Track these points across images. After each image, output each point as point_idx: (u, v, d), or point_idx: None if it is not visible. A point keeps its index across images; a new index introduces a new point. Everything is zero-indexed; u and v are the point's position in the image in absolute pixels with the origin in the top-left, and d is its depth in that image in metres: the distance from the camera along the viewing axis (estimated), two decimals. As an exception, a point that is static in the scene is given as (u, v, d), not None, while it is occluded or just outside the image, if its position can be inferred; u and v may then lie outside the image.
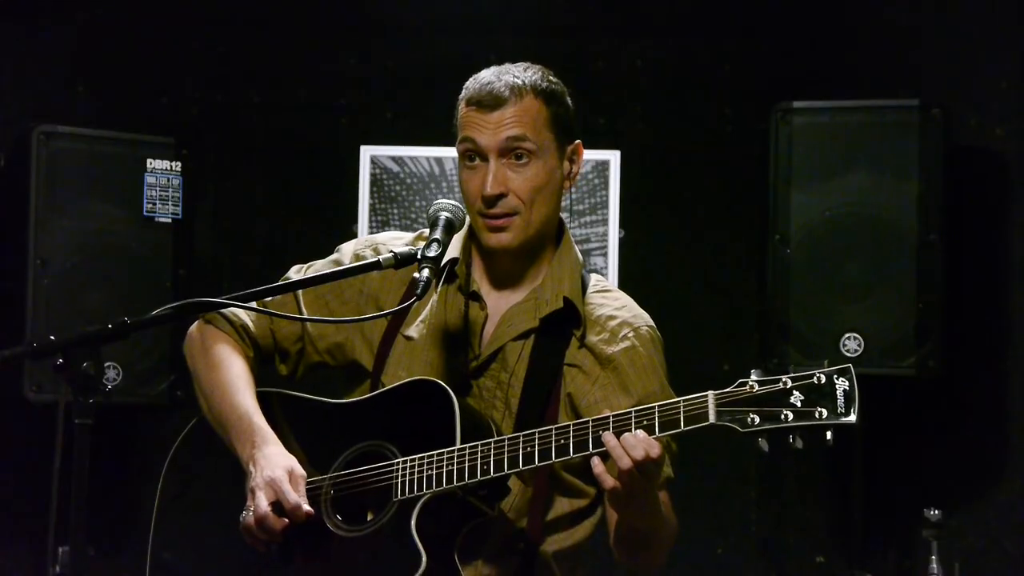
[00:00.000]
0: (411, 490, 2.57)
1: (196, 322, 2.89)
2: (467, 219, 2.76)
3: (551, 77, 2.75)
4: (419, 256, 2.60)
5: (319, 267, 2.86)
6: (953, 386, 4.46)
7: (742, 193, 4.72)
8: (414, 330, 2.77)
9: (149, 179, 4.42)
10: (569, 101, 2.77)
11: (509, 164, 2.68)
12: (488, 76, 2.72)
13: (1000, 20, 4.58)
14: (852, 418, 2.31)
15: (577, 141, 2.78)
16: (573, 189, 4.62)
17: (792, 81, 4.62)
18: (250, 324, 2.83)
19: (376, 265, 2.63)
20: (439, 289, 2.77)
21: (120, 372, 4.29)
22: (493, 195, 2.68)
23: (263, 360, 2.85)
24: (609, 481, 2.45)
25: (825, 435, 2.34)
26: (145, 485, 4.65)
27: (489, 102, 2.68)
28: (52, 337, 2.34)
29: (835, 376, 2.34)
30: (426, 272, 2.58)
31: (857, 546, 4.45)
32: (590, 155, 4.66)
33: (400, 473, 2.59)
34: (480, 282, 2.77)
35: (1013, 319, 4.56)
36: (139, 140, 4.44)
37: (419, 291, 2.56)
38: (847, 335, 4.23)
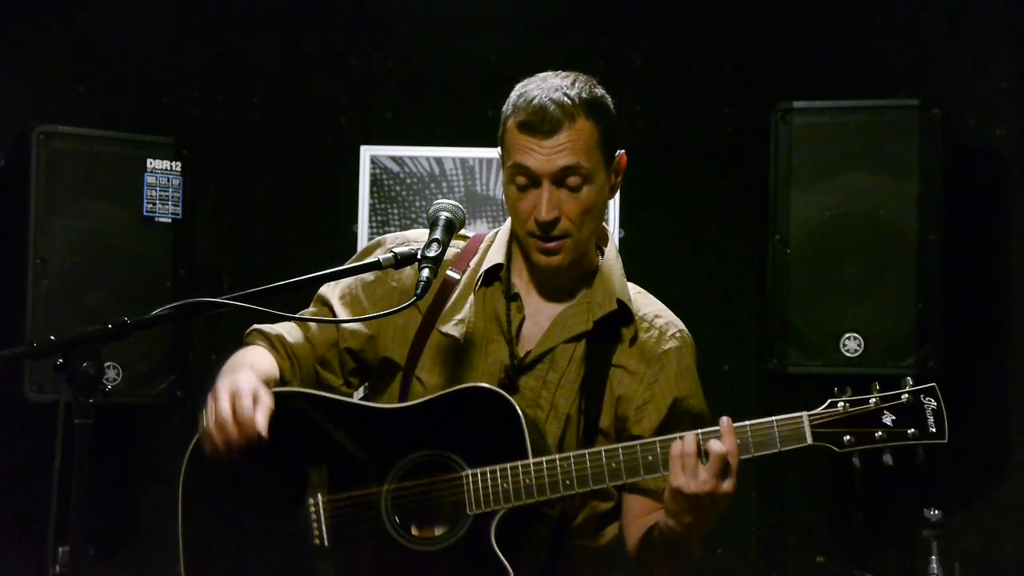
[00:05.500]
0: (486, 504, 2.56)
1: None
2: (507, 222, 2.79)
3: (596, 88, 2.70)
4: (419, 256, 2.60)
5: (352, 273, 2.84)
6: (953, 386, 4.45)
7: (742, 193, 4.72)
8: (452, 328, 2.75)
9: (149, 179, 4.42)
10: (612, 107, 2.71)
11: (562, 189, 2.65)
12: (537, 93, 2.65)
13: (1000, 20, 4.59)
14: (944, 439, 2.50)
15: (621, 152, 2.74)
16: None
17: (792, 81, 4.63)
18: (287, 335, 2.82)
19: (376, 265, 2.63)
20: (477, 289, 2.77)
21: (120, 372, 4.29)
22: (548, 220, 2.66)
23: (306, 376, 2.82)
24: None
25: (917, 452, 2.50)
26: (145, 485, 4.68)
27: (543, 128, 2.62)
28: (52, 337, 2.34)
29: (921, 395, 2.51)
30: (426, 272, 2.57)
31: (857, 546, 4.45)
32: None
33: (472, 486, 2.57)
34: (519, 284, 2.78)
35: (1013, 319, 4.56)
36: (139, 140, 4.44)
37: (419, 291, 2.55)
38: (847, 335, 4.23)
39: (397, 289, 2.79)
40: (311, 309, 2.87)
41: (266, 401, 2.57)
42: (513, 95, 2.70)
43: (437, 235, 2.63)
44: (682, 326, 2.81)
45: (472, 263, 2.80)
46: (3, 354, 2.38)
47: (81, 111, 4.65)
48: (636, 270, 4.70)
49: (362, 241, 4.64)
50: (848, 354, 4.22)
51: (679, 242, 4.80)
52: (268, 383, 2.68)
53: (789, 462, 4.75)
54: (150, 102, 4.79)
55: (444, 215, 2.67)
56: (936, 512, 4.08)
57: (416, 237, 2.76)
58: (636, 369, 2.73)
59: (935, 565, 4.08)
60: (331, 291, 2.85)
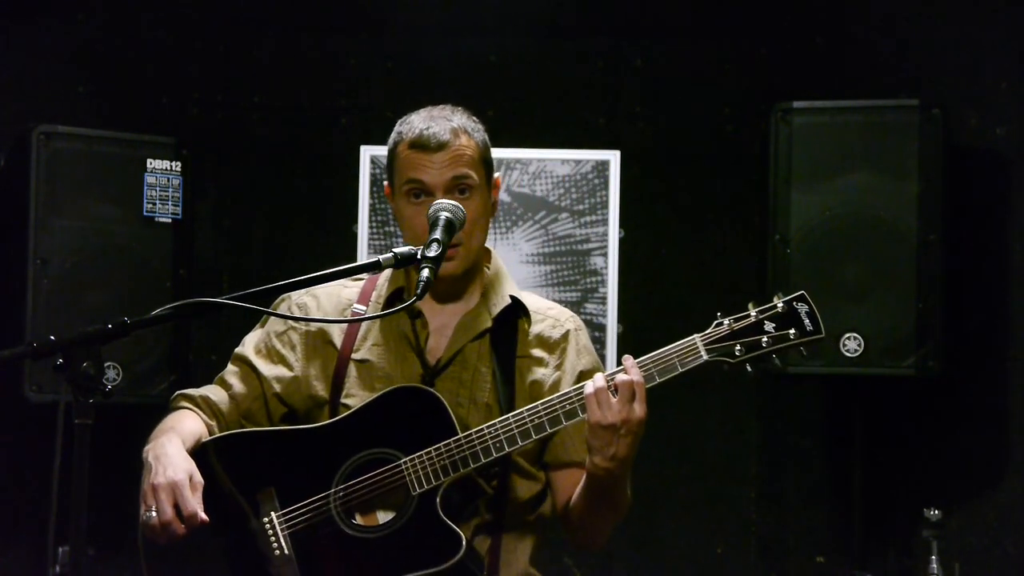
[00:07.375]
0: (427, 482, 2.74)
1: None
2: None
3: (473, 117, 2.99)
4: (419, 256, 2.66)
5: (249, 340, 3.06)
6: (953, 386, 4.46)
7: (742, 193, 4.72)
8: (365, 353, 2.96)
9: (149, 179, 4.42)
10: (487, 138, 2.99)
11: (454, 199, 2.86)
12: (423, 121, 2.94)
13: (1000, 20, 4.58)
14: (821, 334, 2.77)
15: (497, 175, 3.00)
16: (573, 190, 4.66)
17: (792, 81, 4.62)
18: (211, 396, 3.00)
19: (376, 265, 2.66)
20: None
21: (120, 372, 4.29)
22: None
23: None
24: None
25: (800, 351, 2.80)
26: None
27: (433, 144, 2.90)
28: (52, 337, 2.34)
29: (793, 302, 2.80)
30: (426, 272, 2.63)
31: (857, 546, 4.45)
32: (590, 155, 4.67)
33: (411, 470, 2.76)
34: (421, 304, 2.92)
35: (1013, 319, 4.56)
36: (139, 140, 4.44)
37: (419, 291, 2.60)
38: (847, 335, 4.23)
39: (309, 333, 3.00)
40: (232, 368, 3.04)
41: (199, 481, 2.75)
42: (397, 127, 3.01)
43: (437, 235, 2.70)
44: (572, 313, 3.06)
45: (374, 297, 3.00)
46: (3, 354, 2.38)
47: (81, 111, 4.64)
48: (636, 270, 4.74)
49: (362, 241, 4.64)
50: (848, 354, 4.21)
51: (679, 242, 4.80)
52: (197, 441, 2.88)
53: (788, 460, 4.74)
54: (150, 102, 4.79)
55: (444, 215, 2.75)
56: (936, 512, 4.08)
57: (323, 293, 3.01)
58: (540, 356, 2.96)
59: (935, 565, 4.08)
60: (246, 349, 3.05)
